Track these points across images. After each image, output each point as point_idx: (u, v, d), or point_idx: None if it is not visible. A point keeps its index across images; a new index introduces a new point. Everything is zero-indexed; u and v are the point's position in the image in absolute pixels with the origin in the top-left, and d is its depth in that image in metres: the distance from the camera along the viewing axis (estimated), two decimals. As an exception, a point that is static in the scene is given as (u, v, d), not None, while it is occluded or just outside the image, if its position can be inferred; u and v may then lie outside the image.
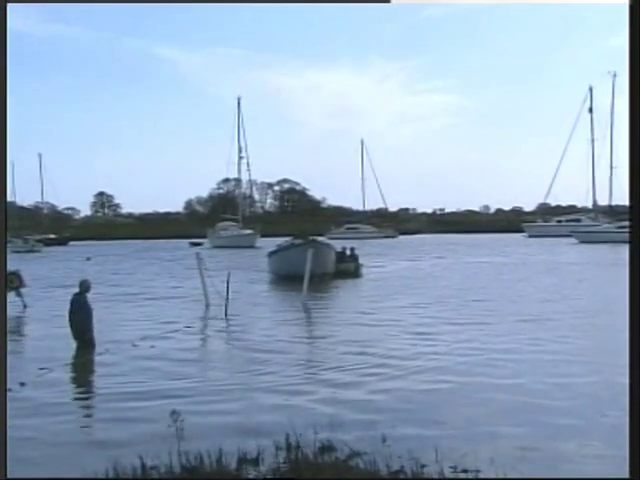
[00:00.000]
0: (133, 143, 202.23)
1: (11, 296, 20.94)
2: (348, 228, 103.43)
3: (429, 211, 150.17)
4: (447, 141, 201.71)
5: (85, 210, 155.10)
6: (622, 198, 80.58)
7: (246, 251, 63.18)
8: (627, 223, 49.77)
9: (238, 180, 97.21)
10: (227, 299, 20.15)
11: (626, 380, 7.01)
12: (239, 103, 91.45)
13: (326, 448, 7.39)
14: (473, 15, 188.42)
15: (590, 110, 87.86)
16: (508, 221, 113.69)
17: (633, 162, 6.68)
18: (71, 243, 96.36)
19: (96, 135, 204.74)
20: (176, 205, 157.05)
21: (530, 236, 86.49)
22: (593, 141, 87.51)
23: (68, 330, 14.32)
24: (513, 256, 47.01)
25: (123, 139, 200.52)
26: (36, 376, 11.82)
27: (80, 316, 14.13)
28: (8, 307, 19.25)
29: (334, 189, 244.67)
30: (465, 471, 6.64)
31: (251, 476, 6.63)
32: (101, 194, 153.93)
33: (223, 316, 19.06)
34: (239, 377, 11.54)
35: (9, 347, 12.71)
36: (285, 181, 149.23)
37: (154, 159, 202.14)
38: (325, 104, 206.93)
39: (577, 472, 6.76)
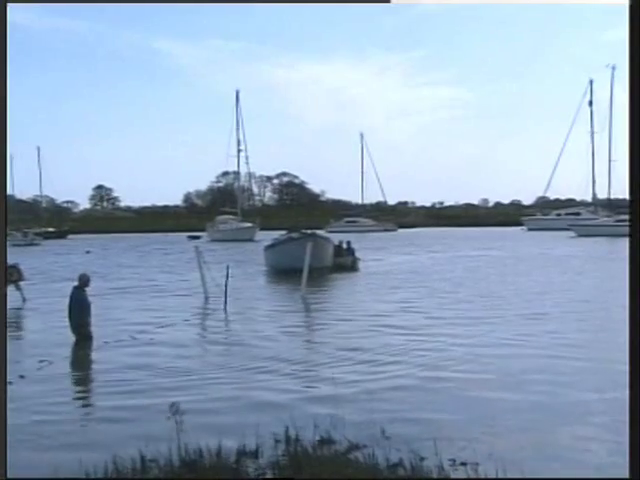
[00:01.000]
0: (132, 136, 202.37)
1: (10, 289, 20.95)
2: (347, 221, 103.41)
3: (428, 205, 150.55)
4: (446, 134, 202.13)
5: (84, 203, 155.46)
6: (622, 191, 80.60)
7: (245, 244, 63.14)
8: (626, 217, 49.84)
9: (237, 173, 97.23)
10: (226, 293, 20.17)
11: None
12: (237, 96, 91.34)
13: (325, 441, 7.40)
14: (473, 9, 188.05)
15: (590, 103, 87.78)
16: (507, 215, 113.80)
17: (633, 155, 6.68)
18: (70, 236, 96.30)
19: (95, 128, 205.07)
20: (175, 198, 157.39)
21: (529, 229, 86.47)
22: (593, 134, 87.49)
23: (67, 323, 14.31)
24: (510, 250, 46.94)
25: (122, 132, 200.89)
26: (36, 369, 11.85)
27: (78, 309, 14.11)
28: (7, 300, 19.36)
29: (333, 182, 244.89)
30: (464, 464, 6.65)
31: (250, 469, 6.63)
32: (100, 187, 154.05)
33: (222, 310, 19.10)
34: (238, 375, 11.48)
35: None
36: (284, 174, 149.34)
37: (153, 152, 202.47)
38: (324, 97, 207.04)
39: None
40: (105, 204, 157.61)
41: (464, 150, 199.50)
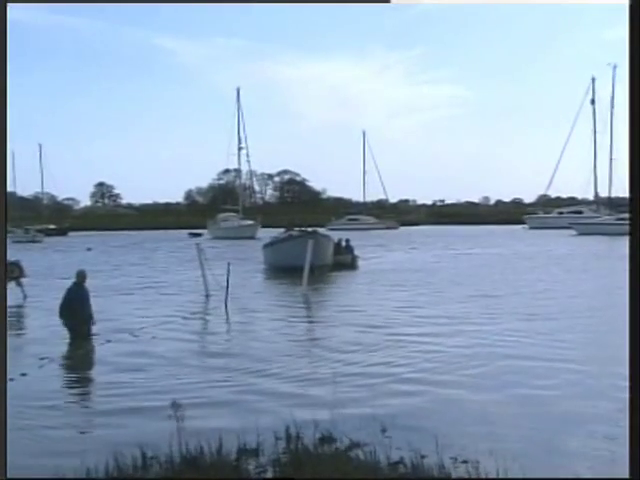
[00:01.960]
0: (133, 133, 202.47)
1: (11, 286, 20.97)
2: (349, 219, 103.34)
3: (429, 203, 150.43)
4: (447, 132, 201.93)
5: (85, 200, 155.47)
6: (623, 190, 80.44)
7: (247, 242, 63.10)
8: (627, 215, 49.75)
9: (238, 171, 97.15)
10: (227, 291, 20.17)
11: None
12: (238, 94, 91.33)
13: (326, 439, 7.40)
14: (474, 8, 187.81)
15: (592, 101, 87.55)
16: (508, 213, 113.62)
17: (633, 154, 6.67)
18: (71, 234, 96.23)
19: (96, 125, 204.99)
20: (176, 196, 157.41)
21: (531, 228, 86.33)
22: (595, 133, 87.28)
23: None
24: (510, 248, 46.95)
25: (123, 129, 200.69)
26: (38, 367, 11.91)
27: (78, 306, 14.04)
28: (8, 297, 19.36)
29: (334, 180, 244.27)
30: (465, 462, 6.64)
31: (251, 467, 6.63)
32: (101, 184, 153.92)
33: (223, 307, 19.11)
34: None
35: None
36: (285, 172, 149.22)
37: (154, 149, 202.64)
38: (325, 95, 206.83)
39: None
40: (106, 201, 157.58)
41: (465, 148, 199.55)
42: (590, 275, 27.85)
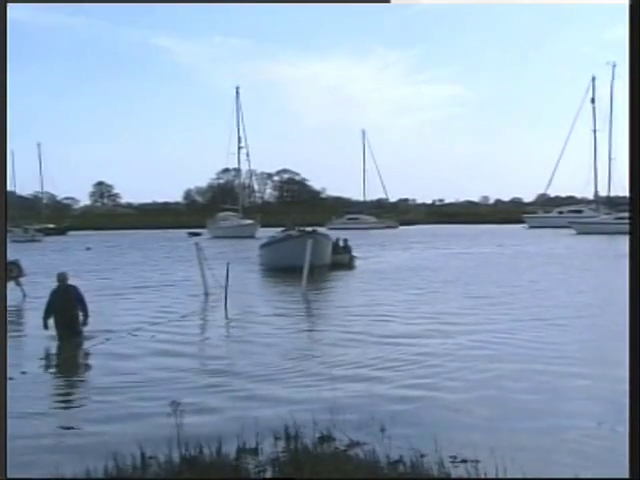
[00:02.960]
0: (132, 133, 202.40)
1: (11, 286, 20.96)
2: (349, 219, 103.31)
3: (428, 202, 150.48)
4: (447, 131, 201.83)
5: (84, 200, 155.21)
6: (622, 189, 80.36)
7: (246, 241, 63.09)
8: (626, 214, 49.77)
9: (237, 170, 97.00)
10: (226, 290, 20.17)
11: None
12: (238, 93, 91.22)
13: (325, 438, 7.40)
14: (474, 7, 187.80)
15: (592, 100, 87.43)
16: (507, 212, 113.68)
17: (633, 154, 6.66)
18: (70, 233, 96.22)
19: (95, 125, 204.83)
20: (175, 195, 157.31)
21: (531, 227, 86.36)
22: (595, 132, 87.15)
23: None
24: (510, 248, 46.99)
25: (122, 129, 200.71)
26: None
27: (65, 308, 13.90)
28: (7, 296, 19.35)
29: (333, 179, 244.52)
30: (464, 461, 6.64)
31: (250, 466, 6.62)
32: (100, 184, 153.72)
33: (222, 307, 19.12)
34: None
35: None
36: (284, 171, 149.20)
37: (153, 149, 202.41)
38: (324, 94, 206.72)
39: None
40: (105, 201, 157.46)
41: (465, 147, 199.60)
42: (590, 274, 27.87)
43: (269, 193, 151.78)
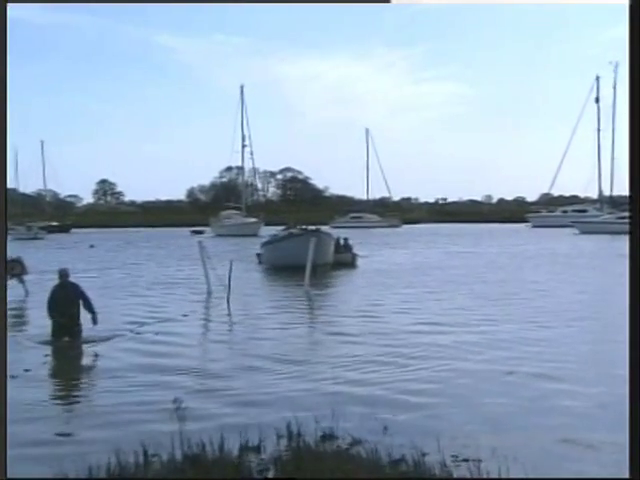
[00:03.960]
0: (135, 131, 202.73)
1: (13, 283, 21.00)
2: (352, 217, 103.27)
3: (431, 201, 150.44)
4: (450, 130, 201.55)
5: (87, 198, 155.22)
6: (626, 188, 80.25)
7: (250, 240, 63.16)
8: (628, 214, 49.67)
9: (241, 168, 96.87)
10: (229, 288, 20.19)
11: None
12: (242, 91, 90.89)
13: (327, 437, 7.41)
14: (477, 6, 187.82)
15: (597, 100, 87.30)
16: (510, 211, 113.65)
17: (633, 153, 6.67)
18: (73, 231, 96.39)
19: (98, 123, 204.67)
20: (178, 193, 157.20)
21: (534, 226, 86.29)
22: (599, 131, 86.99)
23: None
24: (514, 247, 47.03)
25: (125, 127, 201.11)
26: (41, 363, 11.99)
27: (63, 306, 13.51)
28: (10, 294, 19.39)
29: (336, 178, 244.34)
30: (466, 460, 6.64)
31: (253, 464, 6.62)
32: (103, 182, 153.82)
33: (225, 305, 19.17)
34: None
35: (10, 333, 12.81)
36: (288, 170, 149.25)
37: (156, 147, 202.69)
38: (327, 93, 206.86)
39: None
40: (108, 198, 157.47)
41: (468, 146, 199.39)
42: (595, 273, 27.87)
43: (272, 191, 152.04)
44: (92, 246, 56.22)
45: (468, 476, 6.18)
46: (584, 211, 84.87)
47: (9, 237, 77.32)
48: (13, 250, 29.55)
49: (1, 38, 7.30)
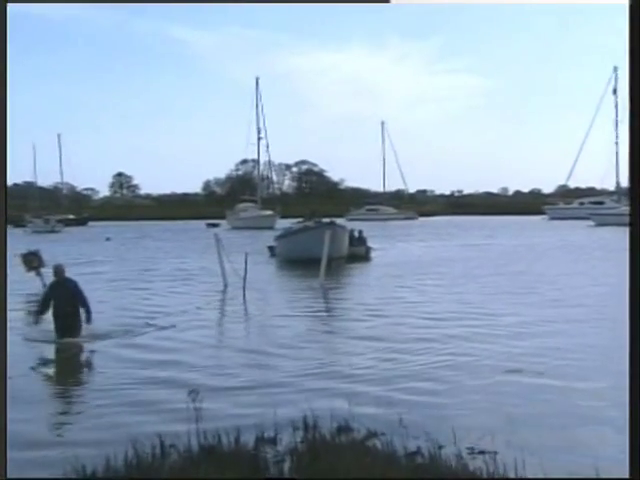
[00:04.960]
0: (151, 124, 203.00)
1: (31, 276, 21.12)
2: (368, 210, 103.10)
3: (447, 193, 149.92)
4: (465, 122, 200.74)
5: (104, 191, 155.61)
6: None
7: (266, 232, 63.25)
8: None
9: (256, 161, 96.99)
10: (245, 282, 20.26)
11: None
12: (257, 83, 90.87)
13: (343, 429, 7.41)
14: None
15: (614, 91, 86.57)
16: (526, 204, 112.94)
17: (633, 153, 6.65)
18: (90, 224, 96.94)
19: (114, 116, 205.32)
20: (194, 186, 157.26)
21: (551, 218, 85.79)
22: (617, 122, 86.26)
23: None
24: (533, 239, 46.80)
25: (141, 120, 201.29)
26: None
27: (63, 303, 12.99)
28: (29, 286, 19.59)
29: (351, 171, 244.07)
30: (482, 453, 6.64)
31: (269, 455, 6.63)
32: (119, 175, 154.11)
33: (241, 298, 19.25)
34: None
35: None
36: (303, 162, 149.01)
37: (172, 140, 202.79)
38: (342, 85, 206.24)
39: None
40: (125, 191, 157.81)
41: (484, 138, 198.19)
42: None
43: (287, 184, 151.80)
44: (108, 239, 56.50)
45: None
46: (601, 203, 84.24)
47: (27, 230, 78.35)
48: (31, 243, 29.80)
49: (1, 38, 7.28)
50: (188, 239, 54.71)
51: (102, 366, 11.29)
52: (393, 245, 42.21)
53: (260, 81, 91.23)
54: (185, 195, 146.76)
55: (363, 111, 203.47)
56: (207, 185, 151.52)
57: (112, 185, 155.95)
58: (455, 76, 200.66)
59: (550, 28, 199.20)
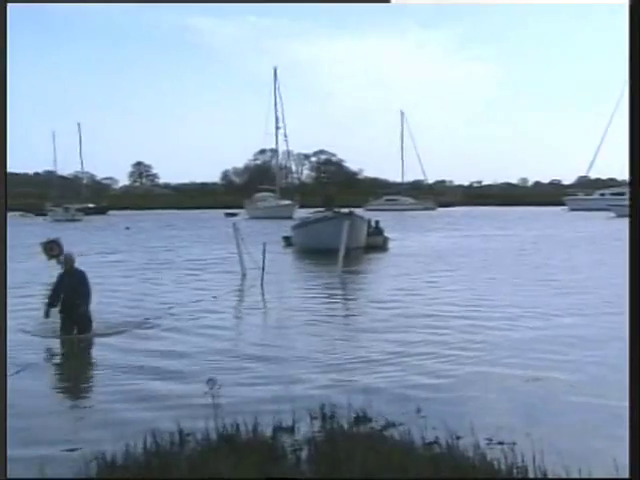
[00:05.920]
0: (170, 113, 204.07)
1: (52, 264, 21.26)
2: (387, 200, 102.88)
3: (466, 184, 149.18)
4: (485, 112, 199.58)
5: (123, 180, 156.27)
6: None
7: (284, 222, 63.29)
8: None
9: (274, 151, 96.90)
10: (263, 271, 20.30)
11: None
12: (275, 73, 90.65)
13: (361, 418, 7.42)
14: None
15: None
16: (546, 194, 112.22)
17: (633, 153, 6.63)
18: (109, 212, 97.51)
19: (134, 106, 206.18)
20: (213, 176, 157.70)
21: (571, 209, 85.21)
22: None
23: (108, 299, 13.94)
24: (554, 229, 46.58)
25: (160, 110, 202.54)
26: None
27: (74, 294, 12.61)
28: (49, 274, 19.69)
29: (370, 160, 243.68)
30: (501, 443, 6.61)
31: (287, 444, 6.64)
32: (139, 164, 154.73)
33: (259, 287, 19.31)
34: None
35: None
36: (321, 152, 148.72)
37: (191, 129, 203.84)
38: (360, 74, 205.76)
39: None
40: (144, 181, 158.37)
41: (504, 128, 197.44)
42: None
43: (306, 174, 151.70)
44: (128, 228, 56.77)
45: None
46: (622, 194, 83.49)
47: (47, 219, 78.89)
48: (51, 231, 30.04)
49: (1, 38, 7.27)
50: (207, 228, 54.84)
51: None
52: (410, 235, 42.07)
53: (279, 70, 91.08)
54: (204, 184, 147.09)
55: (382, 100, 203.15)
56: (225, 175, 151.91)
57: (131, 174, 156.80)
58: (474, 65, 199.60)
59: (571, 17, 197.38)
